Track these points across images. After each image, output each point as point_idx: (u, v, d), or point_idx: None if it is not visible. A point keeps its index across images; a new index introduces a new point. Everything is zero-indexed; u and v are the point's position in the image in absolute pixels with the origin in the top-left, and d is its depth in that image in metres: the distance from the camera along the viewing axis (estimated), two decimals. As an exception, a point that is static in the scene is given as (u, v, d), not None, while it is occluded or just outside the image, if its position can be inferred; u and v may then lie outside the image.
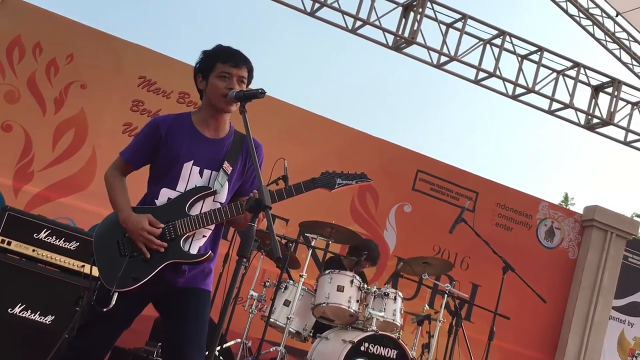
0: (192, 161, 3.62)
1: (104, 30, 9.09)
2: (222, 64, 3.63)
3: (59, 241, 5.62)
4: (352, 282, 6.80)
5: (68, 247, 5.64)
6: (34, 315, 5.46)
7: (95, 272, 3.59)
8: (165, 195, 3.60)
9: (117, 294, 3.46)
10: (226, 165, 3.65)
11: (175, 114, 3.78)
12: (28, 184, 8.43)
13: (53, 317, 5.50)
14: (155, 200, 3.61)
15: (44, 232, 5.60)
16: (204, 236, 3.63)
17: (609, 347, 10.90)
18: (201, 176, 3.63)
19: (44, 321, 5.48)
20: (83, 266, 5.59)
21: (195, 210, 3.59)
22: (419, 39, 10.78)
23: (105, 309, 3.44)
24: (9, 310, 5.39)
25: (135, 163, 3.72)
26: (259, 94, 3.48)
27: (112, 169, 3.74)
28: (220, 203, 3.64)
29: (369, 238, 8.79)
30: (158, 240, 3.51)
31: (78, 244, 5.67)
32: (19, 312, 5.42)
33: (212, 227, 3.64)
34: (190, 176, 3.61)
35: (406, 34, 10.75)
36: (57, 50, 8.75)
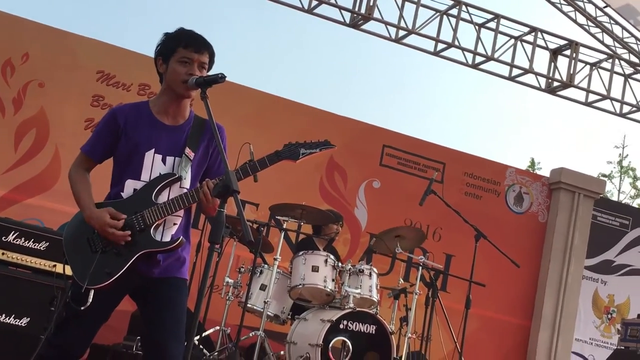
0: (153, 149, 3.60)
1: (58, 27, 8.99)
2: (184, 48, 3.60)
3: (28, 242, 5.57)
4: (326, 261, 6.82)
5: (38, 247, 5.59)
6: (8, 319, 5.41)
7: (68, 271, 3.57)
8: (130, 186, 3.58)
9: (92, 290, 3.44)
10: (188, 150, 3.63)
11: (132, 103, 3.75)
12: (-8, 188, 8.33)
13: (28, 319, 5.45)
14: (122, 193, 3.58)
15: (13, 235, 5.54)
16: (174, 224, 3.61)
17: (584, 306, 11.04)
18: (164, 163, 3.61)
19: (19, 324, 5.43)
20: (54, 266, 5.54)
21: (162, 199, 3.57)
22: (376, 14, 10.78)
23: (82, 307, 3.42)
24: (-18, 315, 5.33)
25: (97, 156, 3.68)
26: (219, 79, 3.46)
27: (74, 166, 3.70)
28: (186, 189, 3.62)
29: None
30: (120, 232, 3.48)
31: (48, 244, 5.62)
32: (-7, 317, 5.37)
33: (182, 214, 3.62)
34: (154, 164, 3.59)
35: (362, 10, 10.74)
36: (11, 50, 8.62)
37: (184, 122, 3.71)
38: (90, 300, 3.43)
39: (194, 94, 3.61)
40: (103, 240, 3.51)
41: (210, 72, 3.66)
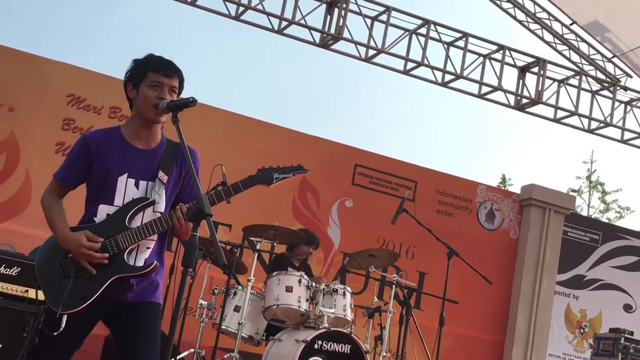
0: (126, 174, 3.59)
1: (27, 50, 8.97)
2: (154, 73, 3.61)
3: (-1, 268, 5.53)
4: (300, 281, 6.82)
5: (9, 273, 5.54)
6: (-20, 346, 5.35)
7: (41, 296, 3.55)
8: (103, 211, 3.57)
9: (65, 316, 3.43)
10: (161, 174, 3.63)
11: (104, 129, 3.74)
12: (-37, 214, 8.26)
13: (0, 345, 5.40)
14: (95, 218, 3.57)
15: (-16, 260, 5.49)
16: (148, 248, 3.60)
17: (557, 321, 11.11)
18: (137, 188, 3.60)
19: (-9, 350, 5.37)
20: (26, 291, 5.50)
21: (136, 223, 3.57)
22: (345, 34, 10.84)
23: (55, 333, 3.41)
24: (-46, 342, 5.28)
25: (70, 183, 3.67)
26: (190, 102, 3.47)
27: (47, 192, 3.69)
28: (160, 213, 3.62)
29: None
30: (99, 254, 3.48)
31: (20, 269, 5.57)
32: (-35, 344, 5.31)
33: (156, 238, 3.62)
34: (127, 189, 3.59)
35: (332, 30, 10.80)
36: (-20, 75, 8.59)
37: (156, 145, 3.71)
38: (63, 325, 3.41)
39: (164, 119, 3.62)
40: (76, 265, 3.50)
41: (181, 96, 3.67)
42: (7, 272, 5.54)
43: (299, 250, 7.88)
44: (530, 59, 11.90)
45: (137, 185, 3.60)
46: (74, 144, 3.70)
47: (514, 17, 12.46)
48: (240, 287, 7.11)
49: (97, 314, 3.57)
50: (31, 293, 5.33)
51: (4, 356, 5.33)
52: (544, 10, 12.45)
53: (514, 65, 11.88)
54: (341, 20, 10.77)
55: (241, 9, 10.42)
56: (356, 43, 11.07)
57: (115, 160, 3.60)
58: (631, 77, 12.64)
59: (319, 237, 8.31)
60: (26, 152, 8.63)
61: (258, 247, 7.08)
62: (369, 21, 11.15)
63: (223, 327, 6.80)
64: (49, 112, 8.81)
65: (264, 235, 7.08)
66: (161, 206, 3.64)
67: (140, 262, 3.56)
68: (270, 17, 10.64)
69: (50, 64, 9.01)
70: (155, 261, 3.58)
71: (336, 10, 10.83)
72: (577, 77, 12.18)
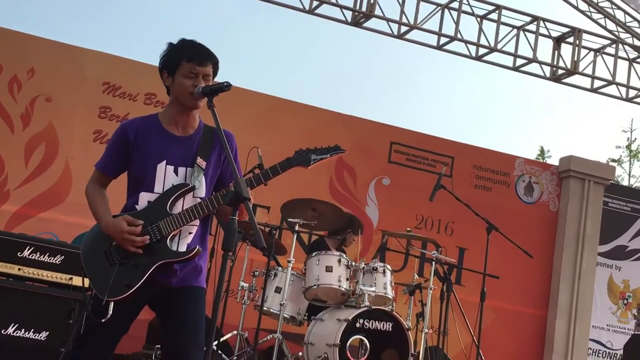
0: (164, 161, 3.64)
1: (62, 41, 9.05)
2: (188, 62, 3.63)
3: (43, 257, 5.60)
4: (339, 261, 6.84)
5: (53, 261, 5.62)
6: (28, 334, 5.44)
7: (86, 283, 3.61)
8: (144, 199, 3.62)
9: (112, 303, 3.48)
10: (199, 160, 3.66)
11: (141, 117, 3.79)
12: (5, 204, 8.37)
13: (47, 332, 5.48)
14: (136, 206, 3.62)
15: (28, 250, 5.57)
16: (190, 233, 3.64)
17: (600, 293, 11.03)
18: (177, 174, 3.64)
19: (39, 338, 5.46)
20: (71, 279, 5.57)
21: (177, 209, 3.60)
22: (377, 11, 10.79)
23: (103, 320, 3.47)
24: (2, 331, 5.36)
25: (111, 171, 3.73)
26: (225, 87, 3.50)
27: (90, 182, 3.76)
28: (201, 198, 3.65)
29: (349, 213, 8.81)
30: (139, 238, 3.52)
31: (63, 257, 5.65)
32: (13, 332, 5.40)
33: (197, 223, 3.65)
34: (166, 176, 3.63)
35: (364, 8, 10.75)
36: (17, 66, 8.66)
37: (193, 132, 3.74)
38: (110, 312, 3.47)
39: (201, 104, 3.65)
40: (121, 253, 3.55)
41: (216, 79, 3.70)
42: (51, 261, 5.61)
43: (348, 240, 7.91)
44: (565, 29, 11.77)
45: (176, 172, 3.64)
46: (113, 133, 3.75)
47: (548, -13, 12.31)
48: (280, 268, 7.15)
49: (143, 300, 3.63)
50: (76, 280, 5.42)
51: (52, 343, 5.41)
52: (579, -22, 12.28)
53: (549, 36, 11.76)
54: (372, -3, 10.71)
55: (272, -10, 10.40)
56: (388, 20, 11.01)
57: (154, 148, 3.64)
58: (669, 43, 12.45)
59: (360, 221, 8.29)
60: (65, 142, 8.72)
61: (296, 227, 7.11)
62: (400, -3, 11.08)
63: (265, 308, 6.85)
64: (86, 101, 8.89)
65: (302, 214, 7.10)
66: (201, 191, 3.67)
67: (182, 248, 3.61)
68: (301, -2, 10.62)
69: (84, 53, 9.07)
70: (198, 246, 3.61)
71: (367, -13, 10.76)
72: (614, 45, 12.02)
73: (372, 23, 11.04)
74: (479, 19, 11.41)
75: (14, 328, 5.40)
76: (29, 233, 6.22)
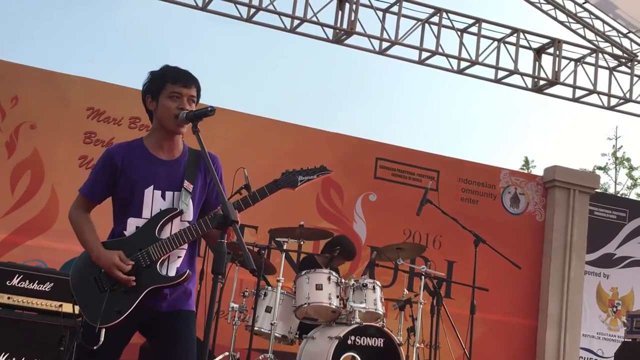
0: (152, 186, 3.64)
1: (45, 68, 9.05)
2: (172, 84, 3.65)
3: (32, 284, 5.60)
4: (329, 278, 6.85)
5: (43, 289, 5.62)
6: (19, 362, 5.43)
7: (77, 310, 3.61)
8: (132, 224, 3.62)
9: (104, 329, 3.49)
10: (187, 184, 3.68)
11: (127, 142, 3.78)
12: (-8, 233, 8.36)
13: (38, 361, 5.48)
14: (124, 232, 3.63)
15: (17, 278, 5.58)
16: (179, 257, 3.64)
17: (589, 301, 11.08)
18: (164, 199, 3.65)
19: (30, 366, 5.45)
20: (61, 305, 5.57)
21: (165, 234, 3.61)
22: (358, 28, 10.84)
23: (95, 347, 3.47)
24: (-7, 361, 5.36)
25: (96, 197, 3.72)
26: (209, 112, 3.51)
27: (74, 208, 3.74)
28: (188, 222, 3.66)
29: (340, 233, 8.84)
30: (124, 276, 3.52)
31: (52, 284, 5.65)
32: (4, 362, 5.40)
33: (186, 246, 3.66)
34: (154, 201, 3.64)
35: (344, 26, 10.80)
36: (0, 94, 8.66)
37: (179, 155, 3.75)
38: (102, 339, 3.47)
39: (184, 130, 3.66)
40: (110, 279, 3.55)
41: (200, 104, 3.72)
42: (40, 288, 5.62)
43: (337, 262, 7.95)
44: (545, 40, 11.85)
45: (163, 196, 3.65)
46: (99, 158, 3.74)
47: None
48: (270, 287, 7.16)
49: (134, 325, 3.63)
50: (65, 307, 5.42)
51: (43, 371, 5.41)
52: (556, -11, 12.39)
53: (529, 48, 11.83)
54: (353, 14, 10.76)
55: (252, 10, 10.43)
56: (369, 36, 11.06)
57: (141, 173, 3.64)
58: (648, 51, 12.56)
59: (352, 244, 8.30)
60: (50, 168, 8.71)
61: (285, 247, 7.13)
62: (380, 13, 11.14)
63: (256, 328, 6.85)
64: (70, 126, 8.89)
65: (290, 235, 7.13)
66: (189, 215, 3.68)
67: (172, 272, 3.61)
68: (282, 17, 10.65)
69: (68, 79, 9.08)
70: (188, 270, 3.62)
71: (347, 5, 10.82)
72: (594, 54, 12.10)
73: (354, 40, 11.09)
74: (459, 33, 11.48)
75: (5, 357, 5.40)
76: (17, 261, 6.22)
